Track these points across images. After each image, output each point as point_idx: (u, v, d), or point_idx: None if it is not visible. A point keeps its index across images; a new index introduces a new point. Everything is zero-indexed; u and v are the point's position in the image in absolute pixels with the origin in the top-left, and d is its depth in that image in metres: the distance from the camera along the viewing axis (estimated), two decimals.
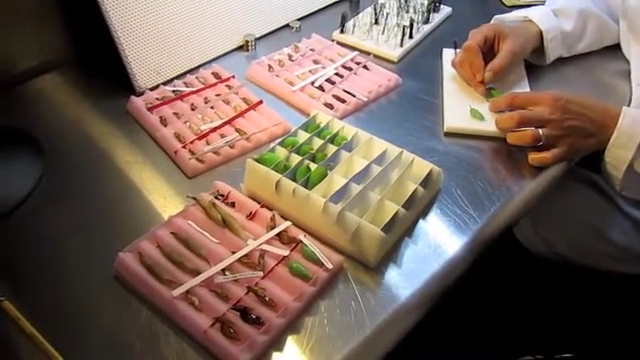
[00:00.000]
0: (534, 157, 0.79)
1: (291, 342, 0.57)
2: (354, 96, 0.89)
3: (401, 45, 1.02)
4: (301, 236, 0.65)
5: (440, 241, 0.69)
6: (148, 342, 0.57)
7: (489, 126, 0.84)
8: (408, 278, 0.64)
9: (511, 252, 0.99)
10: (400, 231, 0.68)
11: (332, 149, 0.74)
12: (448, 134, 0.85)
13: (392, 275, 0.65)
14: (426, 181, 0.71)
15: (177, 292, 0.58)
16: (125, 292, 0.61)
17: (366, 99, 0.89)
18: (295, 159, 0.71)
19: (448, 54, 1.00)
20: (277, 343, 0.57)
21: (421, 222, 0.71)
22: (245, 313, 0.57)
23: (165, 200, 0.72)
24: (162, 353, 0.56)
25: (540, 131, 0.77)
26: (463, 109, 0.87)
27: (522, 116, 0.78)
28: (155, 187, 0.74)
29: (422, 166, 0.72)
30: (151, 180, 0.75)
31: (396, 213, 0.65)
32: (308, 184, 0.69)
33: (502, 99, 0.84)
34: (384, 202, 0.67)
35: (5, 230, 0.68)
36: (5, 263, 0.64)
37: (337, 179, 0.69)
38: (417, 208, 0.71)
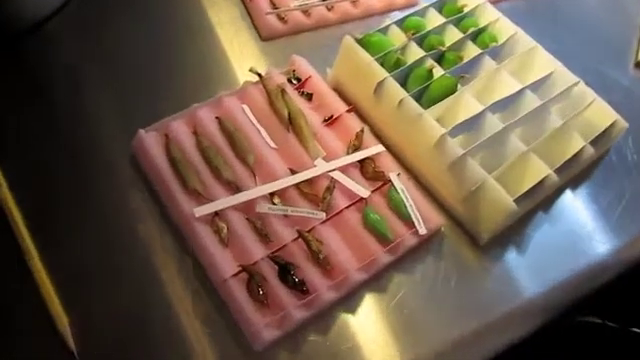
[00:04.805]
0: None
1: (340, 326, 0.40)
2: None
3: None
4: (393, 174, 0.44)
5: (592, 228, 0.47)
6: (154, 258, 0.41)
7: None
8: (532, 272, 0.44)
9: None
10: (536, 201, 0.46)
11: (472, 51, 0.49)
12: None
13: (509, 262, 0.44)
14: (600, 137, 0.46)
15: (201, 211, 0.41)
16: (140, 182, 0.44)
17: None
18: (414, 53, 0.48)
19: None
20: (320, 322, 0.40)
21: (568, 193, 0.48)
22: (285, 270, 0.39)
23: (219, 65, 0.52)
24: (166, 282, 0.40)
25: None
26: None
27: None
28: (213, 41, 0.54)
29: (603, 114, 0.47)
30: (210, 27, 0.55)
31: (544, 179, 0.43)
32: (423, 97, 0.46)
33: None
34: (530, 157, 0.44)
35: (16, 57, 0.51)
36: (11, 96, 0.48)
37: (468, 101, 0.46)
38: (571, 173, 0.47)
